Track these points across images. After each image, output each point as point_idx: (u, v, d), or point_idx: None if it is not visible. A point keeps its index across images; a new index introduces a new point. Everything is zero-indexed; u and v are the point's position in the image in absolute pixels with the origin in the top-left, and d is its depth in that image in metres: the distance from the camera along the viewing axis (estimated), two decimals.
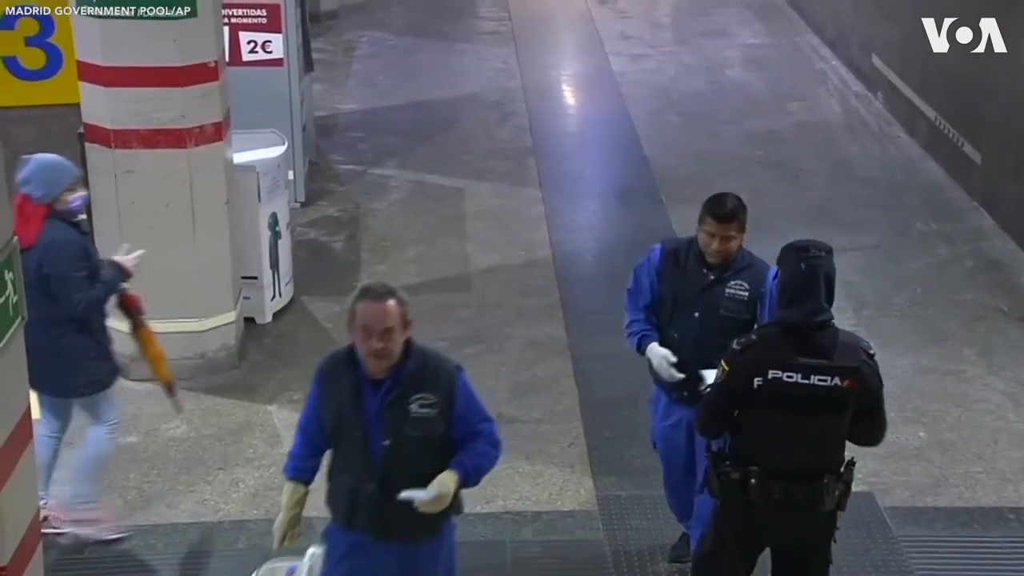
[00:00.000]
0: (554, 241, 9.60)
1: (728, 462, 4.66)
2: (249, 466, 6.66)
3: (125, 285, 5.96)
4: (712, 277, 5.30)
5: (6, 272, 3.73)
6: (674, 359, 5.29)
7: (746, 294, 5.26)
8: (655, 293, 5.43)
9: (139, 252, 5.99)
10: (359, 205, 10.28)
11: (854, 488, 6.42)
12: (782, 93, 13.20)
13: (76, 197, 5.80)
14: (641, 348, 5.43)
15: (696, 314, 5.31)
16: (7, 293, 3.70)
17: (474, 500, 6.36)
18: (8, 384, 3.80)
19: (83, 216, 5.99)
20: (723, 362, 4.61)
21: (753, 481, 4.56)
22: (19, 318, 3.82)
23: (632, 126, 12.20)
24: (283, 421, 7.08)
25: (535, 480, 6.57)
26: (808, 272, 4.48)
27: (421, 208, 10.24)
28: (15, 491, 3.79)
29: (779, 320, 4.57)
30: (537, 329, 8.23)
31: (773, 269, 4.86)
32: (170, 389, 6.20)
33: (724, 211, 5.24)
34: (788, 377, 4.43)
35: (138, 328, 6.07)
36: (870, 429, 4.72)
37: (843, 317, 8.33)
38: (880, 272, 9.08)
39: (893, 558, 5.95)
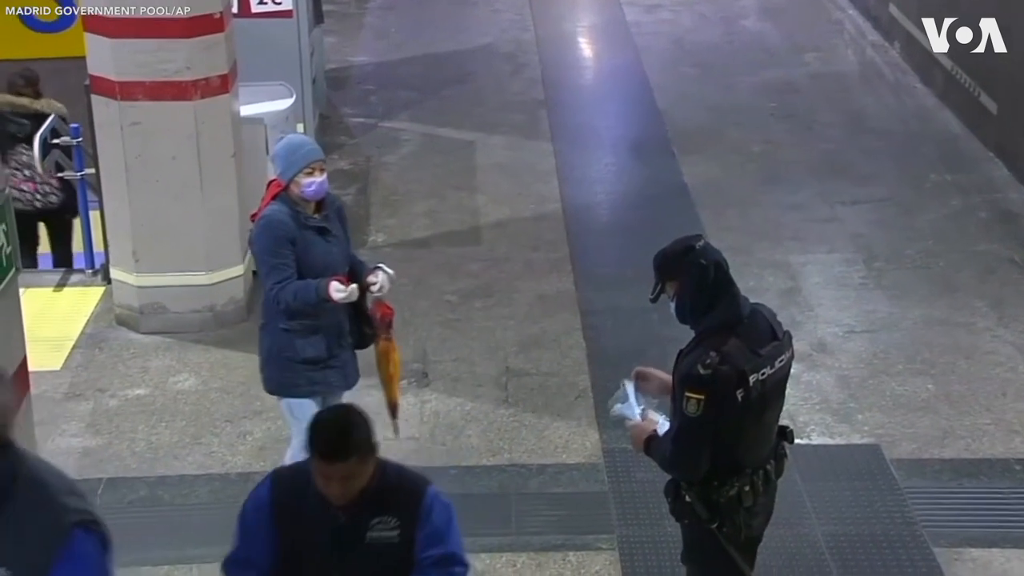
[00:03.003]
0: (565, 194, 9.55)
1: (716, 482, 4.30)
2: (257, 419, 6.68)
3: (378, 296, 5.40)
4: (343, 519, 3.67)
5: None
6: None
7: (396, 532, 3.68)
8: (271, 548, 3.72)
9: (352, 288, 5.22)
10: (370, 158, 10.26)
11: (860, 440, 6.52)
12: (798, 44, 13.07)
13: (311, 181, 5.24)
14: None
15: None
16: (0, 244, 3.69)
17: (480, 453, 6.41)
18: (3, 335, 3.80)
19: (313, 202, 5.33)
20: (690, 394, 4.16)
21: (747, 488, 4.31)
22: (12, 269, 3.82)
23: (645, 78, 12.11)
24: None
25: (541, 433, 6.58)
26: (713, 265, 4.24)
27: (432, 161, 10.20)
28: None
29: (716, 325, 4.23)
30: (546, 283, 8.20)
31: (431, 490, 3.73)
32: (392, 410, 5.59)
33: (334, 450, 3.57)
34: (762, 375, 4.22)
35: (378, 341, 5.49)
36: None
37: (853, 270, 8.32)
38: (892, 224, 9.01)
39: (898, 509, 5.93)
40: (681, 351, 4.34)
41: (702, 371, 4.15)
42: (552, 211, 9.27)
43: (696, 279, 4.24)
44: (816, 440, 6.50)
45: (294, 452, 5.50)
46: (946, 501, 6.06)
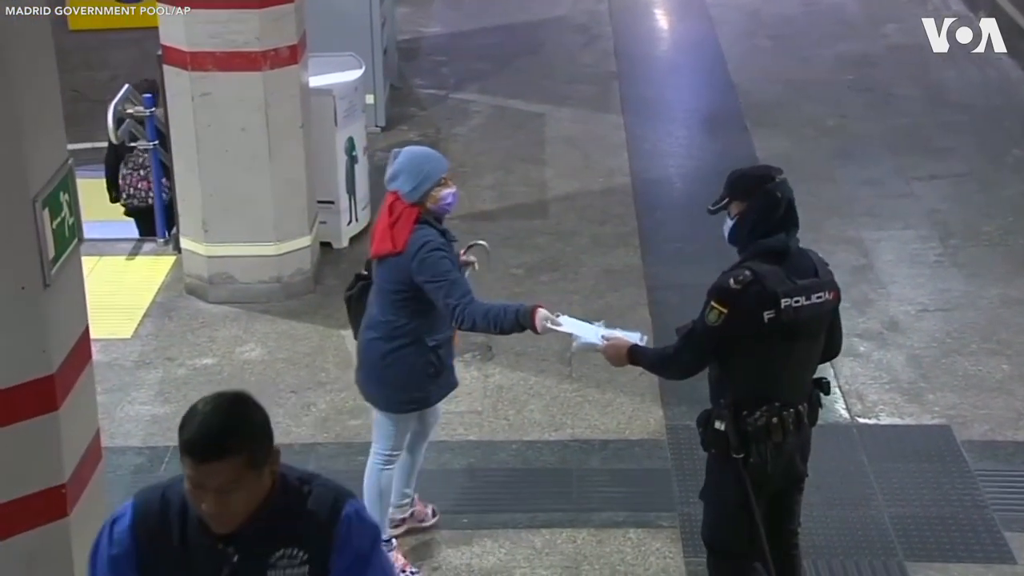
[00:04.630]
0: (634, 168, 9.46)
1: (746, 411, 4.36)
2: (321, 390, 6.72)
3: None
4: (236, 555, 2.86)
5: (62, 194, 3.76)
6: None
7: (304, 569, 2.90)
8: None
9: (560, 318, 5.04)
10: (439, 130, 10.24)
11: (930, 421, 6.39)
12: (878, 15, 12.80)
13: (448, 192, 4.97)
14: None
15: None
16: (63, 214, 3.73)
17: (542, 428, 6.39)
18: (66, 305, 3.84)
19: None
20: (715, 303, 4.27)
21: (775, 420, 4.34)
22: (75, 239, 3.85)
23: (719, 50, 11.95)
24: (356, 346, 7.11)
25: (604, 409, 6.54)
26: (784, 198, 4.36)
27: (501, 133, 10.16)
28: (73, 411, 3.85)
29: (763, 249, 4.33)
30: (613, 257, 8.14)
31: (350, 506, 2.91)
32: None
33: (206, 445, 2.72)
34: (796, 303, 4.29)
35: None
36: (838, 338, 4.65)
37: (927, 246, 8.15)
38: (970, 200, 8.81)
39: (968, 491, 5.81)
40: (724, 271, 4.41)
41: (733, 285, 4.27)
42: (621, 185, 9.20)
43: (764, 208, 4.34)
44: (885, 420, 6.39)
45: (375, 465, 5.27)
46: (1019, 485, 5.92)
